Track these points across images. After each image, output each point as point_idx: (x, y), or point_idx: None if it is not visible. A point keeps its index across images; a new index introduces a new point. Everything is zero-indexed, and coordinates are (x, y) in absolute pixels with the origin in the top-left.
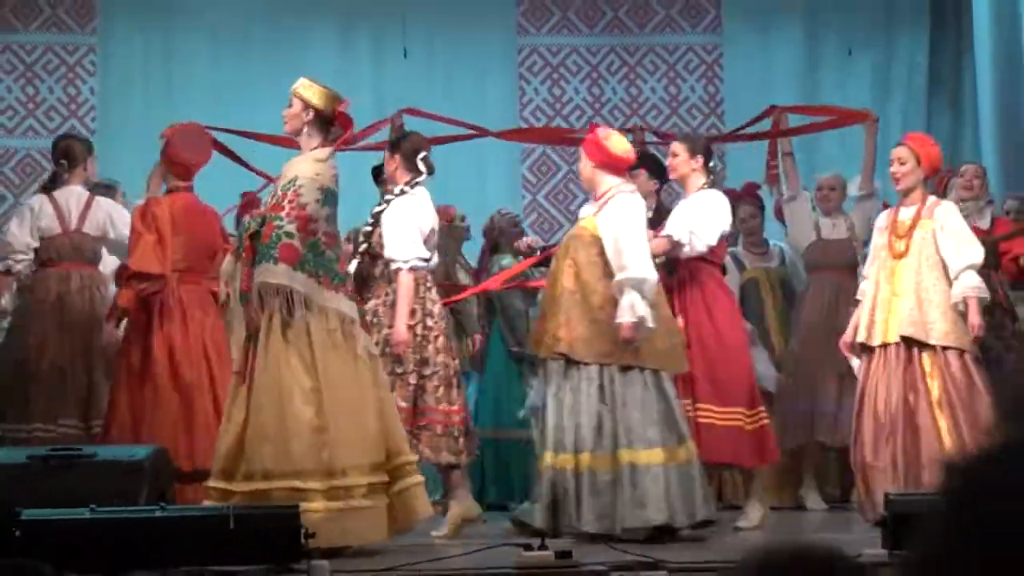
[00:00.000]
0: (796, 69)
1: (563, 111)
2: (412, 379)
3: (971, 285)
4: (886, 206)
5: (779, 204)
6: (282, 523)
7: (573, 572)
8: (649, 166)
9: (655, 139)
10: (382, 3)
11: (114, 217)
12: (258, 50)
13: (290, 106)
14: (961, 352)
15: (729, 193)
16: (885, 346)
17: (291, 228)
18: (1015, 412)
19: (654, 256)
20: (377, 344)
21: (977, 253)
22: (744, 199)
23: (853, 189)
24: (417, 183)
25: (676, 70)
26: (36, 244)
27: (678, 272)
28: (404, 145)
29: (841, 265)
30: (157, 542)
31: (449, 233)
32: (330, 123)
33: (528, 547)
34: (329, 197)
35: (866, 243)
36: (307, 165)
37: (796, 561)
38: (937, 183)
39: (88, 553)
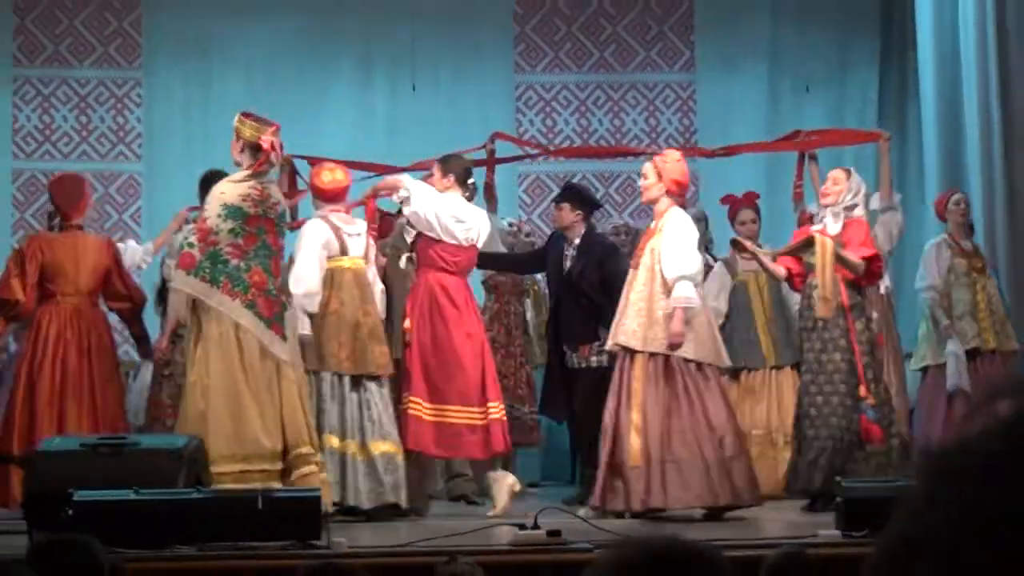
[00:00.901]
0: (760, 104)
1: (555, 140)
2: None
3: (679, 296)
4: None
5: (804, 217)
6: (304, 505)
7: (562, 549)
8: (574, 200)
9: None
10: (395, 43)
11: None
12: (286, 83)
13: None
14: (667, 358)
15: (729, 199)
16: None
17: (192, 239)
18: (991, 400)
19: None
20: None
21: (690, 264)
22: (744, 205)
23: (874, 203)
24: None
25: (655, 104)
26: None
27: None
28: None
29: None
30: (193, 521)
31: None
32: (258, 149)
33: (522, 526)
34: (233, 212)
35: (890, 253)
36: (220, 186)
37: (648, 557)
38: (937, 203)
39: (132, 530)
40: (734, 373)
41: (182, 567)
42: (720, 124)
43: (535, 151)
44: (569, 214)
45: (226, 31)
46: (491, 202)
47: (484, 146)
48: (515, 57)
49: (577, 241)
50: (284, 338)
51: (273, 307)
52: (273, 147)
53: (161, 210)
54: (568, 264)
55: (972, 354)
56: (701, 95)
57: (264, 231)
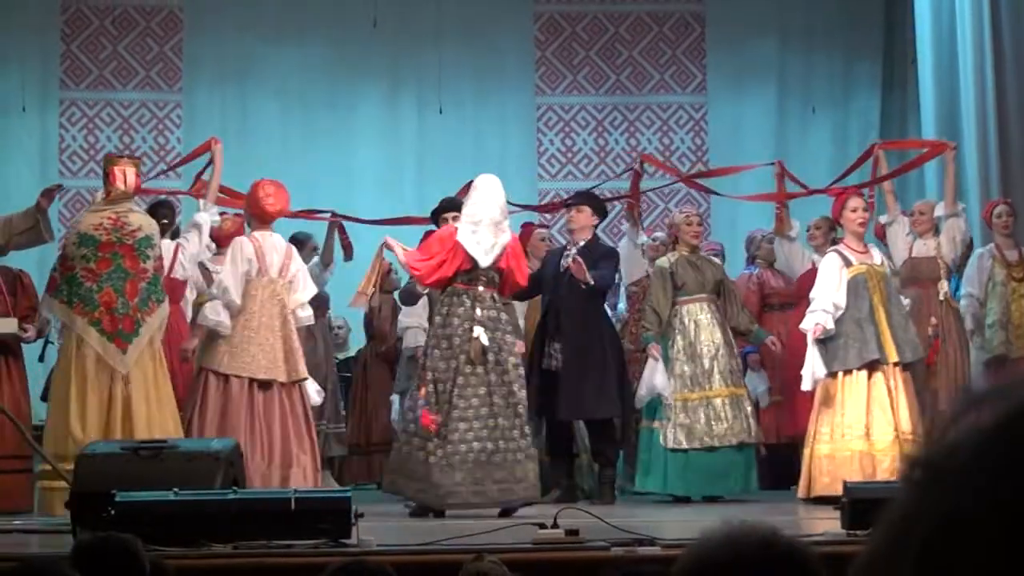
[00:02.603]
0: (769, 124)
1: (573, 159)
2: None
3: None
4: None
5: (879, 227)
6: (335, 505)
7: (579, 547)
8: (592, 204)
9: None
10: (422, 67)
11: None
12: (319, 106)
13: None
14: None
15: None
16: None
17: (57, 264)
18: (975, 405)
19: None
20: None
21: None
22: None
23: (939, 210)
24: None
25: (669, 124)
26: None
27: None
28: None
29: (932, 279)
30: (230, 520)
31: None
32: (110, 180)
33: (542, 525)
34: (86, 240)
35: (955, 260)
36: (79, 216)
37: (729, 544)
38: (984, 214)
39: (171, 529)
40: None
41: (218, 565)
42: (731, 144)
43: (674, 177)
44: (588, 217)
45: (261, 56)
46: (634, 222)
47: (631, 167)
48: (536, 80)
49: (581, 243)
50: (125, 352)
51: (119, 324)
52: (121, 177)
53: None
54: (566, 263)
55: (998, 361)
56: (712, 116)
57: (120, 256)
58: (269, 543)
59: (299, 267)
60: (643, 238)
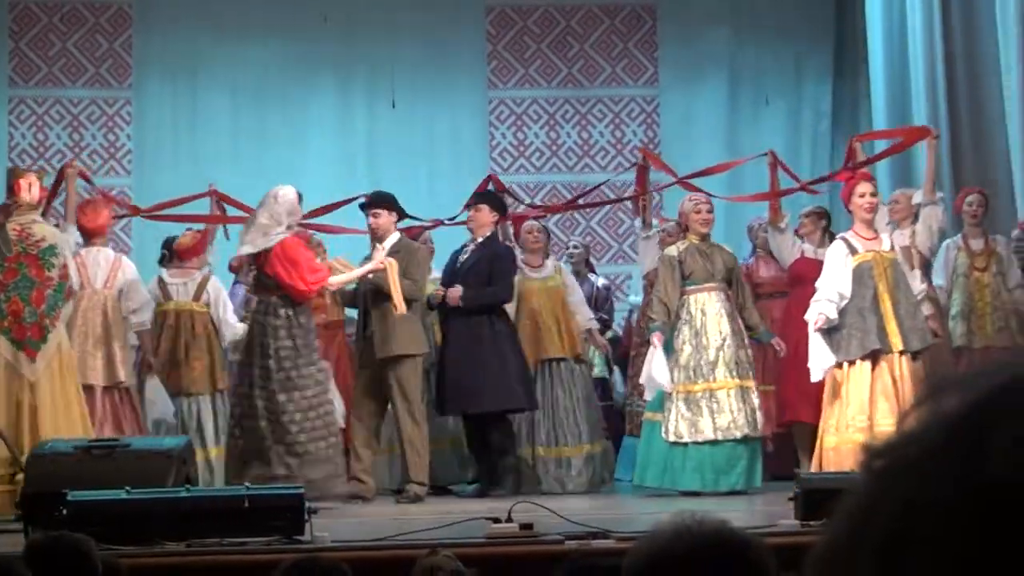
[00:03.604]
0: (720, 115)
1: (526, 153)
2: None
3: None
4: None
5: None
6: (288, 502)
7: (533, 541)
8: (493, 203)
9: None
10: (374, 62)
11: None
12: (271, 102)
13: None
14: None
15: None
16: None
17: None
18: (933, 395)
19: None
20: None
21: None
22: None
23: (917, 197)
24: None
25: (621, 117)
26: None
27: None
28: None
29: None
30: (183, 518)
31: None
32: (15, 191)
33: (496, 520)
34: None
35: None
36: None
37: (678, 538)
38: (955, 202)
39: (124, 528)
40: None
41: (172, 563)
42: (683, 136)
43: (671, 178)
44: (487, 215)
45: (212, 53)
46: (645, 218)
47: (634, 164)
48: (488, 74)
49: (480, 240)
50: (34, 360)
51: (27, 332)
52: (25, 188)
53: (150, 223)
54: (463, 258)
55: (960, 352)
56: (665, 108)
57: (25, 266)
58: (222, 541)
59: (130, 278)
60: (655, 226)
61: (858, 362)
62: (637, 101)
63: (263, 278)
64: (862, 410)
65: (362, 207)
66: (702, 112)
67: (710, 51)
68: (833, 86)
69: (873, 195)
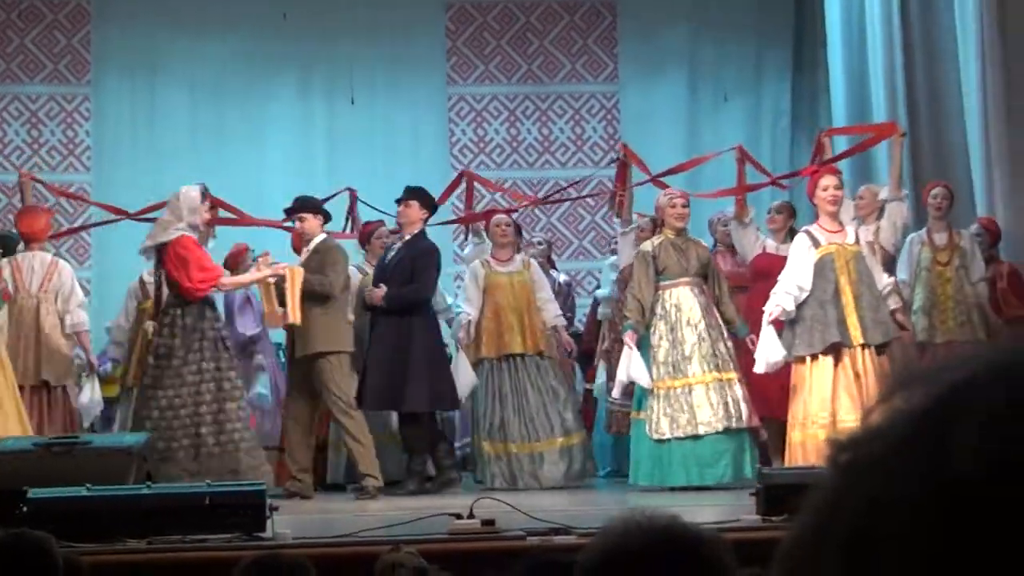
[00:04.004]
0: (681, 112)
1: (486, 149)
2: None
3: None
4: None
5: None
6: (249, 499)
7: (495, 537)
8: (423, 199)
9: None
10: (333, 58)
11: None
12: (230, 99)
13: None
14: None
15: None
16: None
17: None
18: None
19: None
20: None
21: None
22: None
23: (883, 194)
24: None
25: (581, 114)
26: None
27: None
28: None
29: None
30: (144, 516)
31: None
32: None
33: (458, 516)
34: None
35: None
36: None
37: (631, 534)
38: (922, 196)
39: (85, 525)
40: None
41: (133, 560)
42: (643, 132)
43: (646, 175)
44: (417, 211)
45: (171, 49)
46: (622, 212)
47: (616, 160)
48: (447, 70)
49: (407, 237)
50: None
51: None
52: None
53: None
54: (390, 255)
55: (922, 346)
56: (625, 104)
57: None
58: (184, 538)
59: (65, 281)
60: (634, 222)
61: (820, 356)
62: (597, 97)
63: (165, 275)
64: (824, 405)
65: (287, 212)
66: (662, 109)
67: (670, 47)
68: (792, 82)
69: (837, 188)
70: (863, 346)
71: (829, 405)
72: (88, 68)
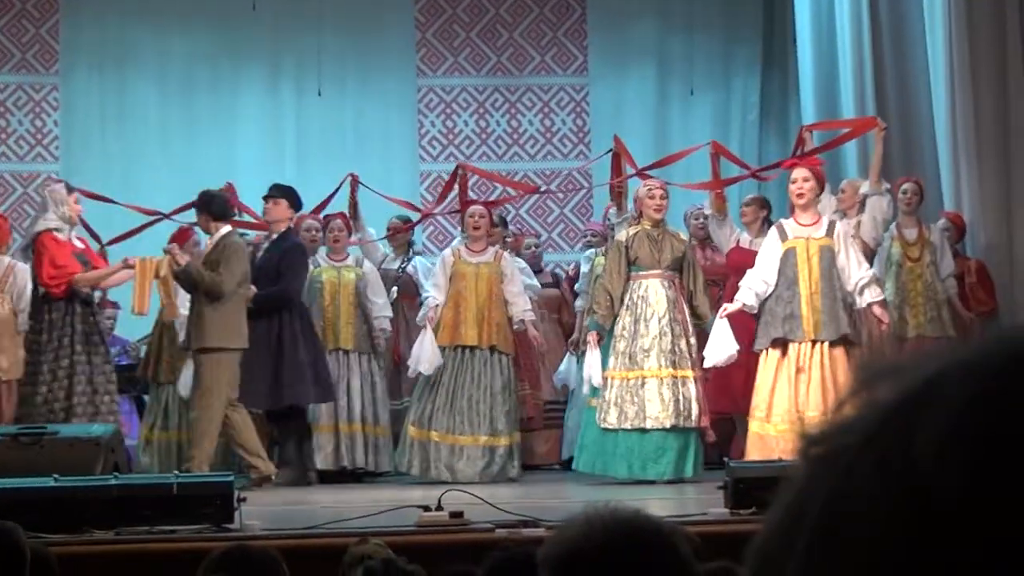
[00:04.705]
0: (649, 105)
1: (455, 141)
2: None
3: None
4: None
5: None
6: (217, 490)
7: (463, 529)
8: (290, 198)
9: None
10: (302, 50)
11: None
12: (199, 90)
13: None
14: None
15: None
16: None
17: None
18: (873, 381)
19: None
20: None
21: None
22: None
23: (864, 187)
24: None
25: (550, 106)
26: None
27: None
28: None
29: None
30: (111, 506)
31: None
32: None
33: (427, 508)
34: None
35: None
36: None
37: (592, 527)
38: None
39: (52, 516)
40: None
41: (100, 551)
42: (612, 125)
43: (632, 168)
44: (285, 210)
45: (140, 40)
46: (620, 204)
47: (609, 151)
48: (417, 61)
49: (274, 236)
50: None
51: None
52: None
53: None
54: (259, 255)
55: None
56: (594, 97)
57: None
58: (151, 529)
59: (20, 282)
60: (630, 211)
61: (769, 350)
62: (566, 90)
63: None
64: (764, 399)
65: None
66: (631, 101)
67: (639, 41)
68: (762, 77)
69: (806, 180)
70: (813, 341)
71: (768, 398)
72: (56, 58)
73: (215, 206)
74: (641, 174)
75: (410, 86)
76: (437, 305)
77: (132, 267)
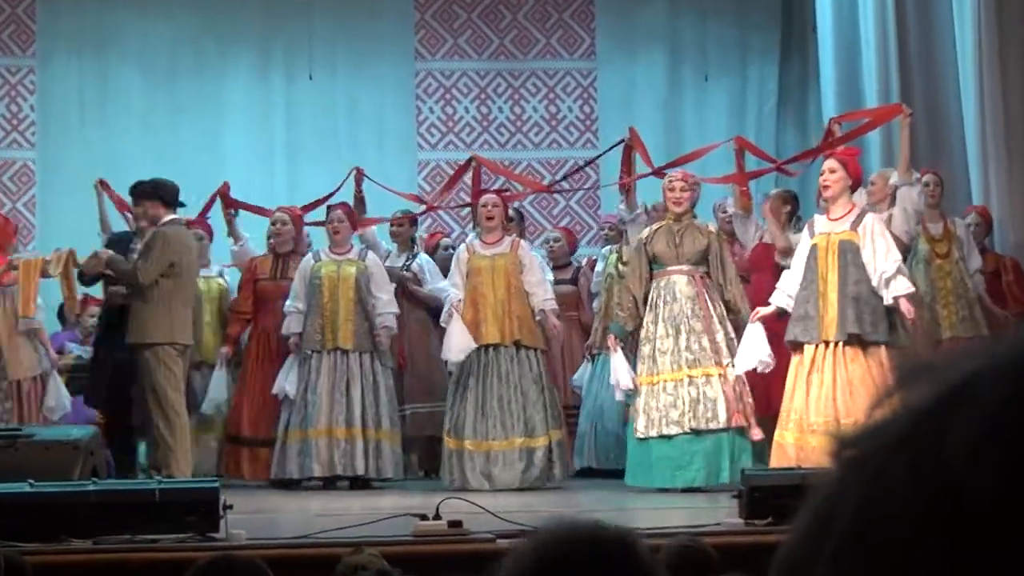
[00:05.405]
0: (660, 92)
1: (455, 128)
2: None
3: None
4: None
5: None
6: (202, 496)
7: (463, 539)
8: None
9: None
10: (292, 32)
11: None
12: (185, 75)
13: None
14: None
15: None
16: None
17: None
18: (907, 383)
19: None
20: None
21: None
22: None
23: (893, 179)
24: None
25: (555, 92)
26: None
27: None
28: None
29: None
30: (90, 514)
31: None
32: None
33: (424, 517)
34: None
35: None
36: None
37: (554, 542)
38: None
39: (28, 523)
40: None
41: (78, 561)
42: (622, 112)
43: (648, 166)
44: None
45: (121, 22)
46: (630, 200)
47: (621, 141)
48: (415, 44)
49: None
50: None
51: None
52: None
53: (56, 198)
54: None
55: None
56: (602, 83)
57: None
58: (132, 538)
59: None
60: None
61: (792, 354)
62: (573, 75)
63: None
64: (785, 405)
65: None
66: (641, 88)
67: (649, 23)
68: (780, 64)
69: (832, 171)
70: (826, 343)
71: (787, 405)
72: (33, 39)
73: (166, 193)
74: (658, 173)
75: (407, 70)
76: (460, 300)
77: (17, 268)
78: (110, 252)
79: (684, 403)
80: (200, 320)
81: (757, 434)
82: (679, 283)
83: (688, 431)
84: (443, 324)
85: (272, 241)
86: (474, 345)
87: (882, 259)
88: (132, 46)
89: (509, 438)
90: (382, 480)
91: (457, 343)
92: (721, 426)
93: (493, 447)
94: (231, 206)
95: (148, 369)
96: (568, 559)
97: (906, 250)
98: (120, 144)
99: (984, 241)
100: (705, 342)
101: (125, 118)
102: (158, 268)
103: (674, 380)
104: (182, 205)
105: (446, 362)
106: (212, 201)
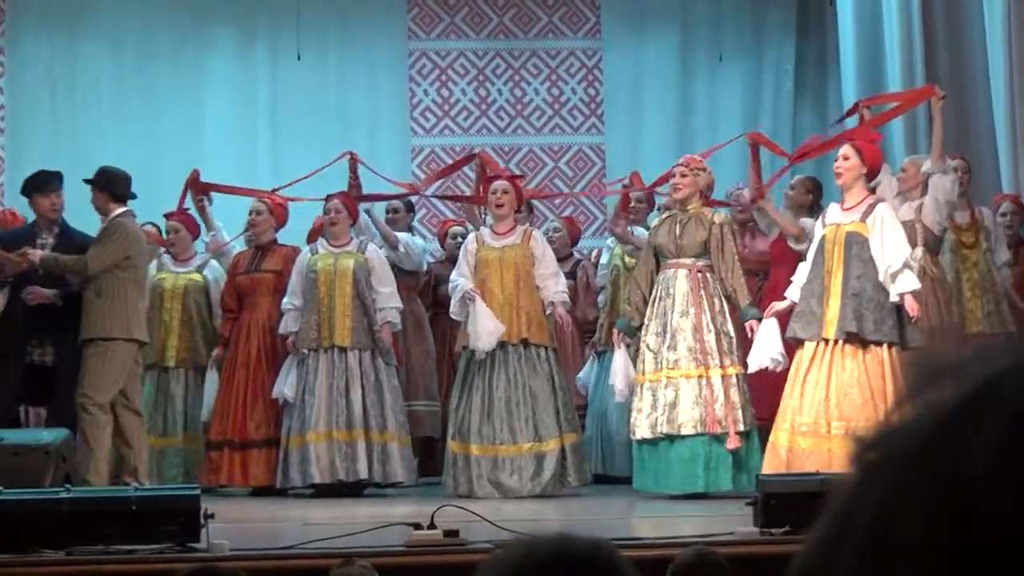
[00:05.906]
0: (671, 73)
1: (451, 112)
2: None
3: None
4: None
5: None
6: (182, 505)
7: (459, 549)
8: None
9: None
10: (278, 9)
11: None
12: (161, 56)
13: None
14: None
15: None
16: None
17: None
18: (928, 383)
19: None
20: None
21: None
22: None
23: (926, 166)
24: None
25: (558, 73)
26: None
27: None
28: None
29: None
30: (63, 523)
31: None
32: None
33: (418, 526)
34: None
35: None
36: None
37: (541, 556)
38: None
39: None
40: None
41: (50, 573)
42: (629, 94)
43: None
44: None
45: (95, 2)
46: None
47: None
48: (408, 23)
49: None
50: None
51: None
52: None
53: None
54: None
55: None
56: (608, 63)
57: None
58: (107, 548)
59: None
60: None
61: (796, 350)
62: (577, 55)
63: None
64: (785, 400)
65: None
66: (650, 68)
67: (659, 1)
68: (797, 44)
69: (845, 158)
70: (825, 340)
71: (786, 402)
72: (2, 19)
73: (117, 186)
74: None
75: (400, 50)
76: (471, 289)
77: None
78: (41, 252)
79: (687, 404)
80: (154, 319)
81: (732, 443)
82: (678, 278)
83: (688, 433)
84: (454, 315)
85: (248, 233)
86: (503, 328)
87: (890, 253)
88: (105, 20)
89: (517, 443)
90: (391, 485)
91: (485, 327)
92: (723, 430)
93: (500, 452)
94: (203, 191)
95: (86, 365)
96: (539, 570)
97: (938, 242)
98: (93, 128)
99: (1019, 231)
100: (692, 343)
101: (96, 98)
102: (113, 257)
103: (672, 379)
104: (133, 197)
105: (445, 359)
106: (185, 192)
